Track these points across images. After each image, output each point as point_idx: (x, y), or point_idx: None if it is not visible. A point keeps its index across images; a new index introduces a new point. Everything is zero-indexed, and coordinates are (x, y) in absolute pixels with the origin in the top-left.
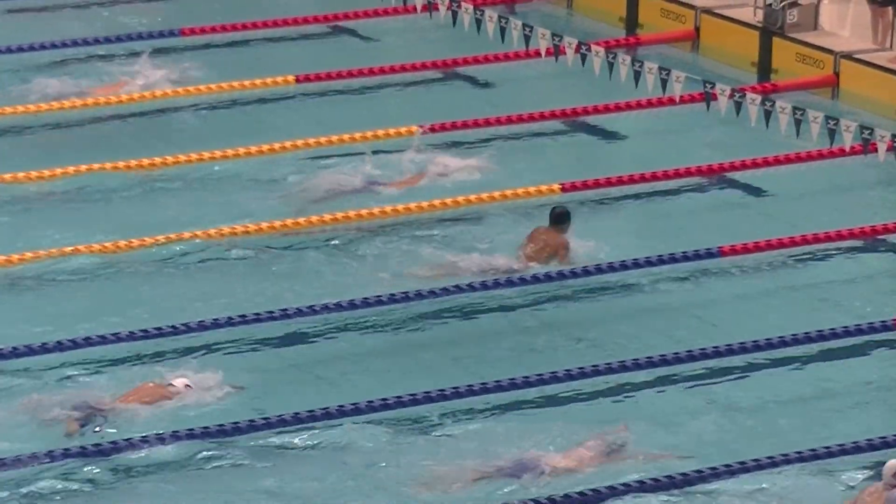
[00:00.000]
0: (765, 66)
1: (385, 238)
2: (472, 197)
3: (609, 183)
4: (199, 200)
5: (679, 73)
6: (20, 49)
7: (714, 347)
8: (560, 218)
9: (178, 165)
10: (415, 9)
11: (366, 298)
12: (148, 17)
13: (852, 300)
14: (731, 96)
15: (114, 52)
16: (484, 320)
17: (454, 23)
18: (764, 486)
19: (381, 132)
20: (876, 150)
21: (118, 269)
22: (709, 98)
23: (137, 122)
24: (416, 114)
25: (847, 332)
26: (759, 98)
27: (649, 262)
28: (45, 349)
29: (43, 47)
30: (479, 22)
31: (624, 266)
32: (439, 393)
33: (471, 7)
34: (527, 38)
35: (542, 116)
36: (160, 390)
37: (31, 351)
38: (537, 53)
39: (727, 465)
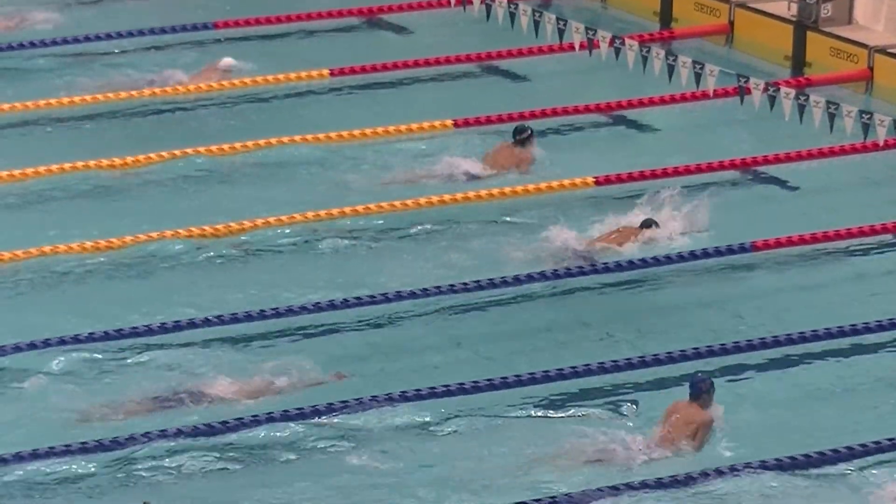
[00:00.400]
0: (799, 61)
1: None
2: (507, 189)
3: (643, 176)
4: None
5: (713, 67)
6: (54, 42)
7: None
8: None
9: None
10: (449, 3)
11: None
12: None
13: (888, 294)
14: (765, 90)
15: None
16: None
17: (488, 17)
18: (799, 484)
19: (415, 126)
20: None
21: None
22: (742, 92)
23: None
24: (449, 108)
25: (881, 327)
26: (792, 92)
27: (681, 258)
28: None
29: (76, 41)
30: (512, 16)
31: (657, 261)
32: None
33: (505, 1)
34: (561, 32)
35: (577, 110)
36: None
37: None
38: (571, 47)
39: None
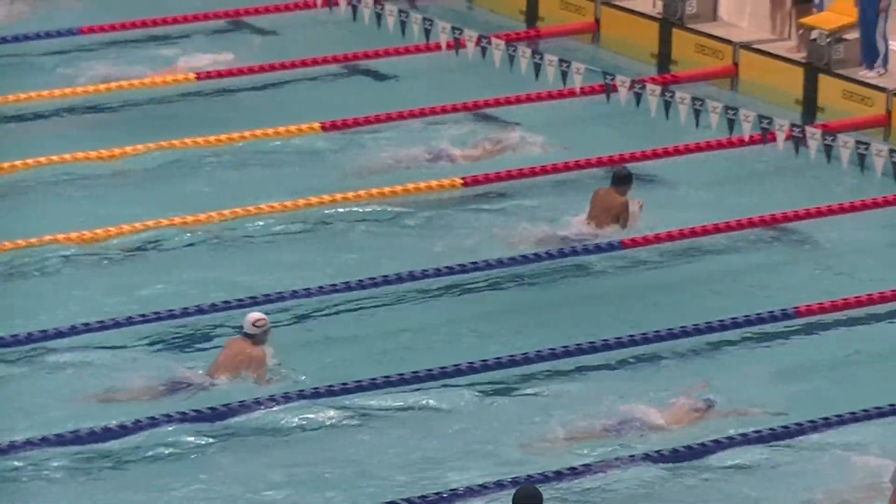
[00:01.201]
0: (665, 57)
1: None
2: (374, 191)
3: (510, 176)
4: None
5: (579, 65)
6: (60, 34)
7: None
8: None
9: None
10: (315, 3)
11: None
12: None
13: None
14: (632, 88)
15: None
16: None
17: (354, 17)
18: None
19: (282, 129)
20: (775, 140)
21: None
22: (609, 89)
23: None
24: (316, 109)
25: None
26: (658, 89)
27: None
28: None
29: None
30: (379, 16)
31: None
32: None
33: (371, 1)
34: (427, 32)
35: (444, 110)
36: (240, 344)
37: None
38: (438, 47)
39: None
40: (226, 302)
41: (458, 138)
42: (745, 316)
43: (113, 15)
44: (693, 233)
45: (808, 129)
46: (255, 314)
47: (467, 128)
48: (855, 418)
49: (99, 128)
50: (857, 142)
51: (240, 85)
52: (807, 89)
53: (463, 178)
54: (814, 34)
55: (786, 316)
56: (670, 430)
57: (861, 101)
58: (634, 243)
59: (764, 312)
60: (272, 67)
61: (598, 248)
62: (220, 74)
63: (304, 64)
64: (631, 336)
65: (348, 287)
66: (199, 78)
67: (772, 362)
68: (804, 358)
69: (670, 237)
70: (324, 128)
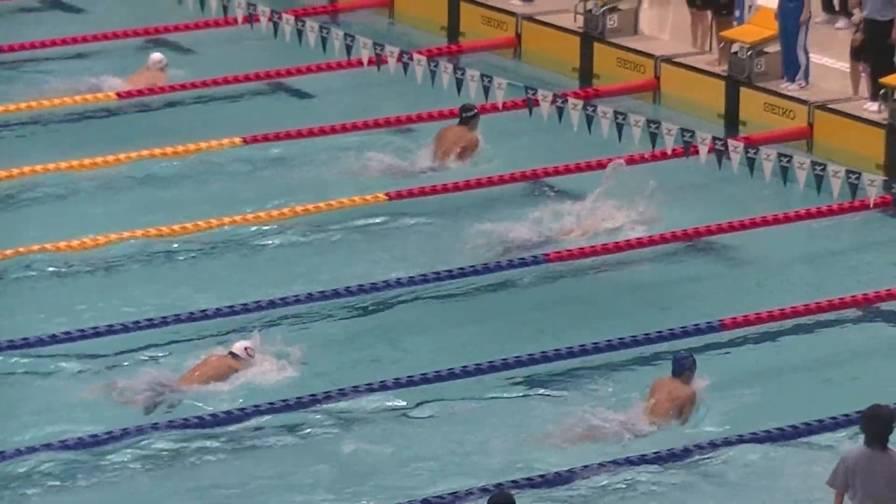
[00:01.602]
0: (587, 72)
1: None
2: (298, 208)
3: (434, 191)
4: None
5: (501, 79)
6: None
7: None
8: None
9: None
10: (235, 20)
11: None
12: None
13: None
14: (554, 102)
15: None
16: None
17: (275, 33)
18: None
19: (203, 144)
20: (697, 153)
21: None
22: (531, 104)
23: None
24: (239, 126)
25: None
26: (580, 103)
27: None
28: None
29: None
30: (300, 32)
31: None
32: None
33: (292, 18)
34: (349, 48)
35: (367, 126)
36: (225, 361)
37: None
38: (359, 63)
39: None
40: (162, 318)
41: (382, 153)
42: (671, 329)
43: (33, 32)
44: (617, 247)
45: (731, 143)
46: (245, 343)
47: (390, 143)
48: (770, 437)
49: (21, 146)
50: (780, 154)
51: (161, 102)
52: (729, 102)
53: (387, 194)
54: (735, 47)
55: (711, 329)
56: (644, 430)
57: (783, 113)
58: (560, 257)
59: (689, 325)
60: (194, 85)
61: (523, 263)
62: (141, 93)
63: (225, 81)
64: (556, 350)
65: (271, 304)
66: (120, 96)
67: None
68: (730, 370)
69: (594, 251)
70: (245, 141)
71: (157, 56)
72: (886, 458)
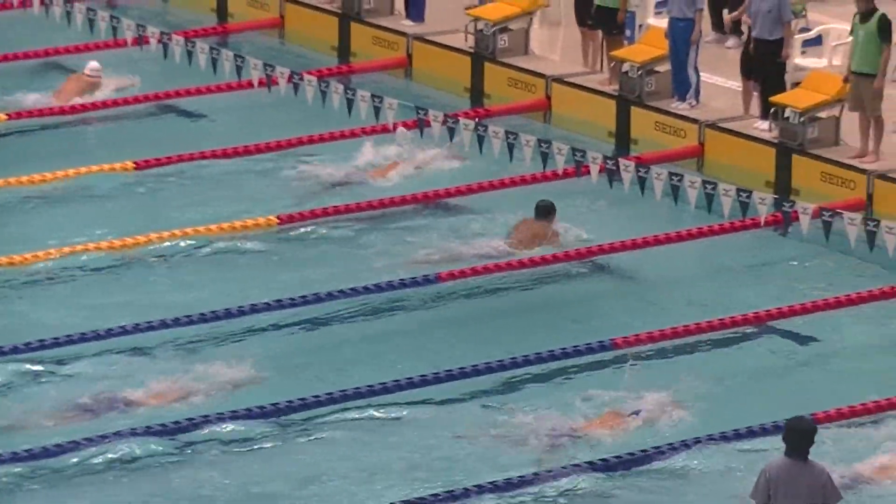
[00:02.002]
0: (478, 91)
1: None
2: (189, 230)
3: (325, 213)
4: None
5: (392, 100)
6: None
7: None
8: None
9: None
10: (125, 42)
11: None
12: None
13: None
14: (445, 122)
15: None
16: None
17: (165, 55)
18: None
19: (94, 167)
20: (589, 172)
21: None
22: (422, 124)
23: None
24: (129, 147)
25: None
26: (472, 123)
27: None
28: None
29: None
30: (190, 53)
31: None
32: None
33: (182, 39)
34: (239, 69)
35: (259, 149)
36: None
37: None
38: (250, 84)
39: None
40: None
41: (273, 175)
42: (562, 348)
43: None
44: (509, 266)
45: (622, 162)
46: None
47: (282, 164)
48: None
49: None
50: (671, 173)
51: (52, 124)
52: (620, 121)
53: (279, 217)
54: (625, 67)
55: (602, 348)
56: (598, 435)
57: (674, 132)
58: (451, 277)
59: (581, 345)
60: (84, 107)
61: (415, 283)
62: (31, 114)
63: (115, 103)
64: (448, 370)
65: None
66: (10, 118)
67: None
68: (623, 389)
69: (486, 270)
70: (137, 166)
71: (94, 64)
72: (807, 470)
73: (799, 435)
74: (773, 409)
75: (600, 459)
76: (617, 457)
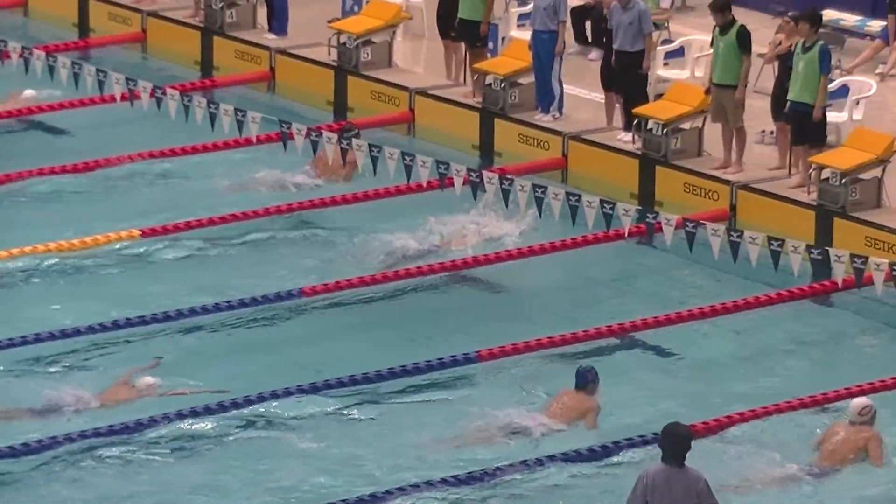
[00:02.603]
0: (341, 104)
1: None
2: (52, 245)
3: (189, 226)
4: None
5: (255, 113)
6: None
7: None
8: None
9: None
10: None
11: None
12: None
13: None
14: (308, 136)
15: None
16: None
17: (27, 70)
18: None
19: None
20: (452, 185)
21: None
22: (285, 138)
23: None
24: None
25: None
26: (335, 136)
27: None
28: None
29: None
30: (51, 68)
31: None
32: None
33: (42, 54)
34: (101, 84)
35: (119, 161)
36: (130, 391)
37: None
38: (113, 99)
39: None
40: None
41: (136, 189)
42: (427, 361)
43: None
44: (374, 280)
45: (486, 174)
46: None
47: (146, 179)
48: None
49: None
50: (535, 185)
51: None
52: (483, 134)
53: (141, 230)
54: (489, 79)
55: (468, 360)
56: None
57: (537, 144)
58: (314, 291)
59: (446, 357)
60: None
61: (279, 297)
62: None
63: None
64: (312, 383)
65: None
66: None
67: (451, 407)
68: (489, 402)
69: (350, 284)
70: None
71: (30, 93)
72: (683, 475)
73: (674, 441)
74: (643, 421)
75: None
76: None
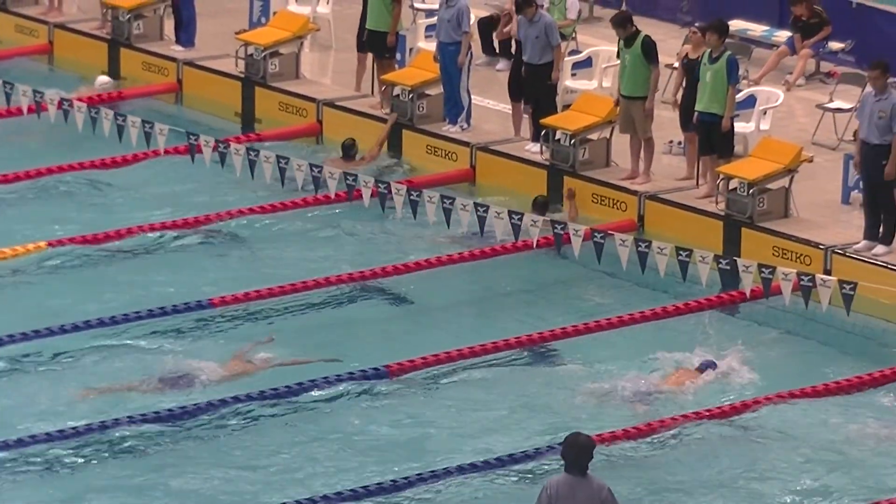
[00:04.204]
0: (249, 116)
1: None
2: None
3: (96, 240)
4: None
5: (163, 125)
6: None
7: None
8: None
9: None
10: None
11: None
12: None
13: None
14: (216, 148)
15: None
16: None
17: None
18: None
19: None
20: (361, 197)
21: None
22: (193, 150)
23: None
24: None
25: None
26: (242, 148)
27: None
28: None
29: None
30: None
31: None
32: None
33: None
34: (8, 96)
35: (17, 177)
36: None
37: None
38: (20, 111)
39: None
40: None
41: (41, 202)
42: (337, 375)
43: None
44: (282, 290)
45: (394, 185)
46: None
47: (55, 192)
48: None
49: None
50: (443, 196)
51: None
52: (392, 144)
53: (48, 242)
54: (396, 90)
55: (377, 375)
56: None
57: (445, 156)
58: (224, 302)
59: (356, 371)
60: None
61: (188, 308)
62: None
63: None
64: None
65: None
66: None
67: (366, 422)
68: (397, 416)
69: (259, 295)
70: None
71: (104, 79)
72: (586, 484)
73: (576, 450)
74: (548, 431)
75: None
76: None
